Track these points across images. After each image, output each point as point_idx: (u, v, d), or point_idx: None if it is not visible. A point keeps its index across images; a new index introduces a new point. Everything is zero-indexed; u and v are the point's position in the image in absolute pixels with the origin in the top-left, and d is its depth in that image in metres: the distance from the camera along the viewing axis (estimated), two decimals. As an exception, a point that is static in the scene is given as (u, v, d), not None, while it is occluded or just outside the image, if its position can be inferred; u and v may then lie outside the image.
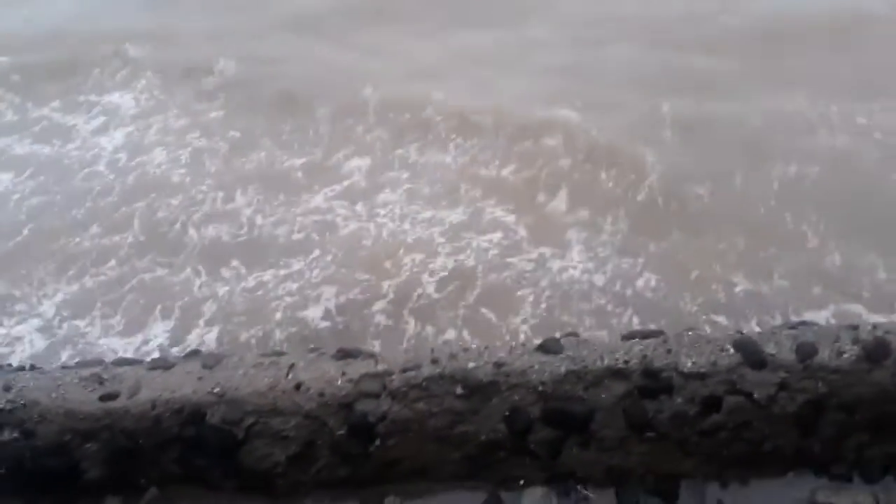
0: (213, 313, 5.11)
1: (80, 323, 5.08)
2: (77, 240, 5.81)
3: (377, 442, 2.39)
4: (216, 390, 2.44)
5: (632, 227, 5.78)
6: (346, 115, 7.33)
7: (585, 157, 6.54)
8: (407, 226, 5.84)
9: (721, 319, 4.91)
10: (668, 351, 2.39)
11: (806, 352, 2.34)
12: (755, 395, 2.30)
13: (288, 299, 5.15)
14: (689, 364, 2.35)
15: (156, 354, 4.59)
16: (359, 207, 6.09)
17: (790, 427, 2.32)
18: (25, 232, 5.96)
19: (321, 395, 2.40)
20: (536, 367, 2.38)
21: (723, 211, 5.88)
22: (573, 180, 6.29)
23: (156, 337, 4.96)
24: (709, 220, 5.82)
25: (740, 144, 6.58)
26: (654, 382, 2.34)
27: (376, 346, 4.59)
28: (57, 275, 5.52)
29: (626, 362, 2.37)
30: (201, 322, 5.06)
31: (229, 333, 4.94)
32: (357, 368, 2.45)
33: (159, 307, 5.13)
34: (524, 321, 4.86)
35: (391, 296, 5.12)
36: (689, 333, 2.47)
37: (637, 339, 2.46)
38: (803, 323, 2.55)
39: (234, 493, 2.49)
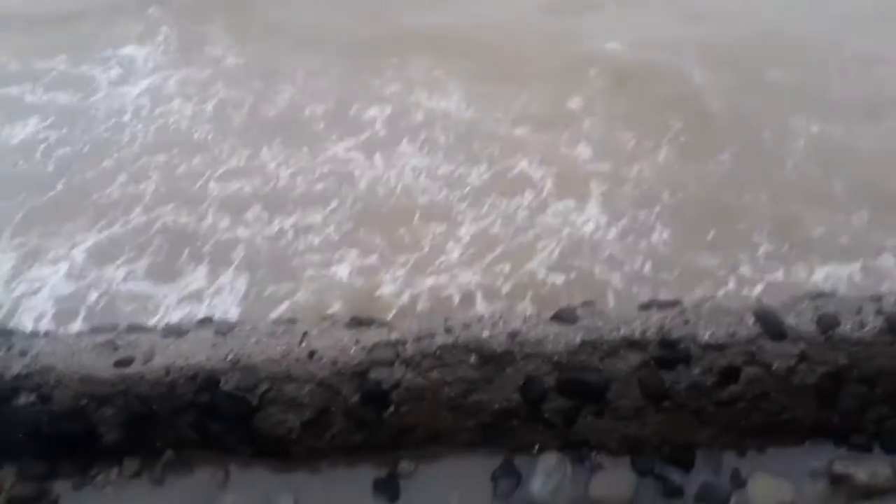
0: (239, 261, 5.18)
1: (109, 268, 5.17)
2: (107, 191, 5.90)
3: (391, 409, 2.39)
4: (230, 357, 2.43)
5: (654, 177, 5.71)
6: (369, 56, 7.16)
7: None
8: (424, 179, 5.79)
9: (745, 270, 4.86)
10: (686, 321, 2.36)
11: (827, 323, 2.30)
12: (774, 367, 2.27)
13: (311, 256, 5.16)
14: (707, 335, 2.32)
15: (183, 300, 4.68)
16: (378, 159, 6.06)
17: (809, 398, 2.30)
18: (59, 186, 6.05)
19: (334, 363, 2.39)
20: (551, 336, 2.35)
21: (749, 164, 5.79)
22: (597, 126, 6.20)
23: (186, 283, 5.04)
24: (734, 172, 5.74)
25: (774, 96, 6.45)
26: (671, 353, 2.31)
27: (398, 301, 4.60)
28: (87, 225, 5.63)
29: (642, 332, 2.34)
30: (229, 270, 5.14)
31: (257, 284, 5.00)
32: (370, 337, 2.43)
33: (186, 251, 5.19)
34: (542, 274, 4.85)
35: (410, 255, 5.11)
36: (708, 304, 2.43)
37: (654, 309, 2.43)
38: (825, 294, 2.50)
39: (249, 457, 2.52)
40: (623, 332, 2.35)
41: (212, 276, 5.08)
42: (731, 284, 4.74)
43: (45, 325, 4.65)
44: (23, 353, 2.51)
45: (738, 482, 2.26)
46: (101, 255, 5.36)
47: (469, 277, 4.98)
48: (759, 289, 4.72)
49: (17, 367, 2.47)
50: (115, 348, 2.51)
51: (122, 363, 2.45)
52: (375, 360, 2.39)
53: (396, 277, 5.09)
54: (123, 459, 2.50)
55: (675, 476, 2.29)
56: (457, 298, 4.85)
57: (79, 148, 6.48)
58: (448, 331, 2.40)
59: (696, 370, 2.30)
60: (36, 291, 5.08)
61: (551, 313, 2.46)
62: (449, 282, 5.01)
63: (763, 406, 2.30)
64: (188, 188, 5.92)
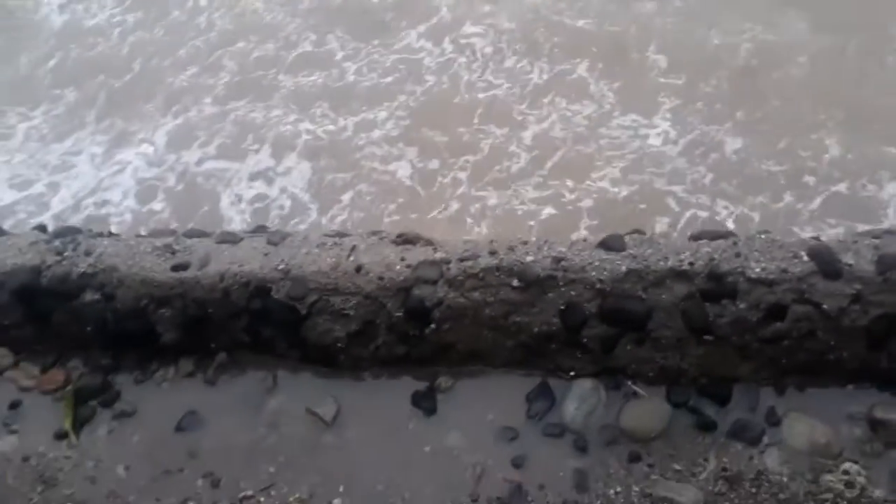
0: (301, 149, 5.31)
1: (184, 152, 5.40)
2: (180, 77, 6.07)
3: (433, 326, 2.45)
4: (281, 267, 2.52)
5: (726, 91, 5.48)
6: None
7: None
8: (490, 78, 5.70)
9: (809, 179, 4.72)
10: (737, 254, 2.30)
11: (887, 263, 2.21)
12: (824, 306, 2.21)
13: (371, 150, 5.24)
14: (758, 269, 2.26)
15: (252, 179, 4.88)
16: (445, 47, 5.96)
17: (858, 340, 2.24)
18: (136, 68, 6.24)
19: (381, 278, 2.44)
20: (596, 263, 2.34)
21: (825, 83, 5.49)
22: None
23: (252, 164, 5.24)
24: (808, 89, 5.47)
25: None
26: (718, 286, 2.27)
27: (450, 208, 4.64)
28: (163, 110, 5.84)
29: (690, 264, 2.30)
30: (293, 155, 5.29)
31: (317, 173, 5.14)
32: (416, 255, 2.47)
33: (251, 136, 5.35)
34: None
35: (469, 159, 5.10)
36: (762, 237, 2.36)
37: (705, 241, 2.37)
38: (889, 232, 2.39)
39: (298, 362, 2.64)
40: (671, 262, 2.32)
41: (276, 159, 5.26)
42: (789, 196, 4.64)
43: (128, 202, 4.93)
44: (88, 253, 2.65)
45: (773, 420, 2.25)
46: (178, 139, 5.60)
47: (528, 186, 4.97)
48: (817, 202, 4.60)
49: (83, 266, 2.61)
50: (173, 252, 2.62)
51: (180, 267, 2.56)
52: (420, 277, 2.43)
53: (455, 181, 5.11)
54: (180, 359, 2.66)
55: (710, 410, 2.30)
56: (510, 212, 4.87)
57: (154, 32, 6.59)
58: (492, 253, 2.41)
59: (742, 305, 2.26)
60: (121, 170, 5.35)
61: (599, 239, 2.44)
62: (506, 188, 5.00)
63: (808, 345, 2.26)
64: (259, 78, 6.03)
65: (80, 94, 6.04)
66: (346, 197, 5.11)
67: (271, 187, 5.21)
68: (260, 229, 2.84)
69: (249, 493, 2.36)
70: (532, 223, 4.75)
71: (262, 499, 2.34)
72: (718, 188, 4.89)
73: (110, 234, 2.81)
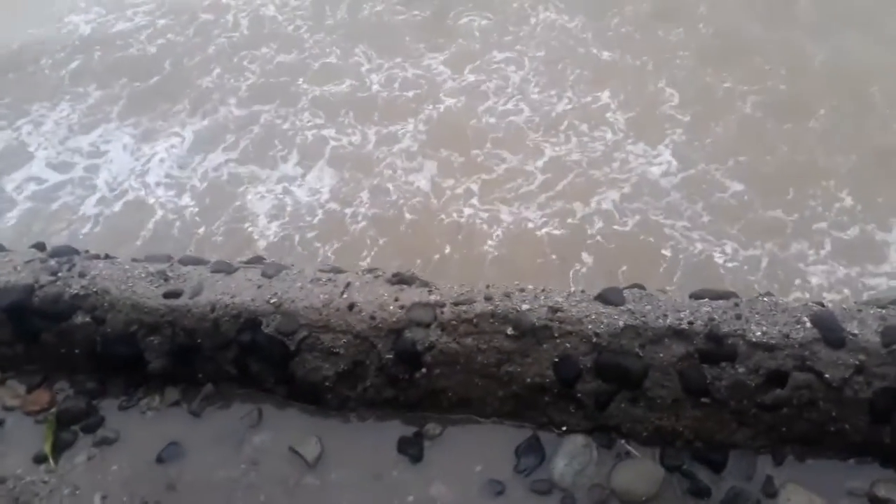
0: (328, 157, 5.39)
1: (211, 154, 5.48)
2: (208, 78, 6.19)
3: (423, 370, 2.39)
4: (273, 301, 2.48)
5: (735, 132, 5.49)
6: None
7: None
8: (511, 105, 5.77)
9: (821, 226, 4.68)
10: (738, 316, 2.24)
11: (893, 335, 2.14)
12: (827, 375, 2.13)
13: (392, 160, 5.31)
14: (759, 333, 2.19)
15: (277, 183, 4.96)
16: (467, 75, 6.03)
17: (861, 413, 2.16)
18: (167, 67, 6.36)
19: (373, 317, 2.40)
20: (593, 316, 2.28)
21: (841, 128, 5.47)
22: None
23: (277, 169, 5.32)
24: (824, 136, 5.45)
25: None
26: (717, 348, 2.20)
27: (465, 222, 4.69)
28: (191, 110, 5.93)
29: (690, 323, 2.24)
30: (320, 163, 5.38)
31: (344, 181, 5.22)
32: (410, 296, 2.42)
33: (277, 142, 5.43)
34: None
35: (485, 175, 5.16)
36: (765, 300, 2.30)
37: (706, 300, 2.31)
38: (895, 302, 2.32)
39: (284, 398, 2.58)
40: (670, 320, 2.26)
41: (302, 166, 5.36)
42: (794, 243, 4.62)
43: (159, 192, 5.00)
44: (82, 275, 2.62)
45: (770, 491, 2.16)
46: (204, 139, 5.70)
47: (534, 208, 5.02)
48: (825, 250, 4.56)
49: (76, 287, 2.59)
50: (166, 279, 2.59)
51: (171, 295, 2.53)
52: (413, 319, 2.38)
53: (469, 196, 5.17)
54: (166, 388, 2.61)
55: (704, 475, 2.22)
56: (517, 226, 4.91)
57: (184, 34, 6.72)
58: (488, 298, 2.36)
59: (742, 369, 2.19)
60: (146, 170, 5.43)
61: (597, 291, 2.39)
62: (516, 208, 5.05)
63: (809, 415, 2.18)
64: (283, 84, 6.14)
65: (104, 93, 6.19)
66: (365, 198, 5.20)
67: (298, 189, 5.30)
68: (255, 260, 2.81)
69: (225, 531, 2.30)
70: (540, 234, 4.78)
71: (237, 538, 2.28)
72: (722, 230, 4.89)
73: (107, 256, 2.78)
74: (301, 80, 6.15)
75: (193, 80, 6.27)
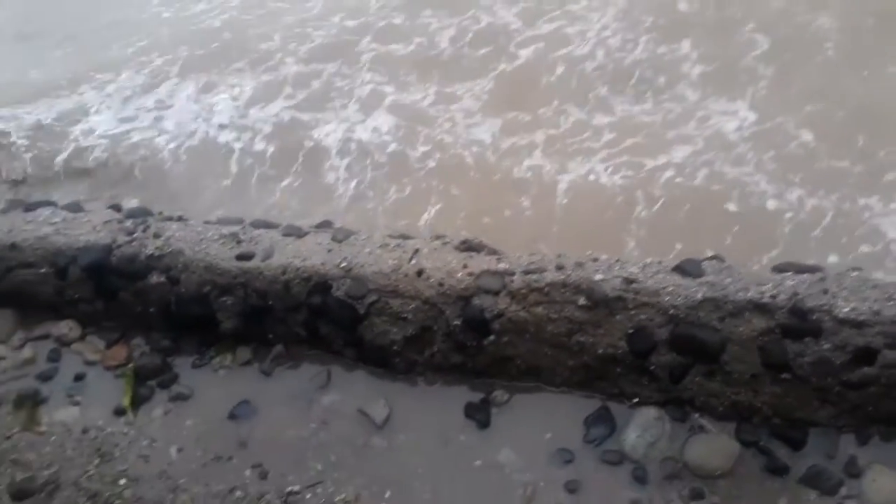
0: (388, 106, 5.40)
1: (269, 104, 5.60)
2: (267, 43, 6.27)
3: (492, 337, 2.37)
4: (343, 265, 2.48)
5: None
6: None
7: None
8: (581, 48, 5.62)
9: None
10: (825, 291, 2.13)
11: None
12: (920, 355, 2.03)
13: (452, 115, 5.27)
14: (848, 309, 2.09)
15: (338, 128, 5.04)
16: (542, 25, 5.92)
17: (955, 395, 2.05)
18: (226, 35, 6.47)
19: (441, 284, 2.38)
20: (671, 288, 2.21)
21: None
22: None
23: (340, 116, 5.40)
24: None
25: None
26: (801, 322, 2.11)
27: (528, 179, 4.64)
28: (250, 69, 6.06)
29: (772, 297, 2.14)
30: (379, 111, 5.41)
31: (404, 128, 5.24)
32: (478, 263, 2.39)
33: (333, 94, 5.48)
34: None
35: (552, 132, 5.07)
36: (853, 274, 2.18)
37: (790, 274, 2.21)
38: None
39: (353, 361, 2.61)
40: (751, 293, 2.17)
41: (364, 113, 5.36)
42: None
43: (228, 134, 5.12)
44: (157, 236, 2.68)
45: (853, 471, 2.08)
46: (264, 92, 5.80)
47: (600, 166, 4.88)
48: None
49: (151, 248, 2.65)
50: (239, 241, 2.62)
51: (244, 257, 2.56)
52: (481, 287, 2.35)
53: (533, 157, 5.08)
54: (238, 347, 2.66)
55: (782, 452, 2.15)
56: (584, 184, 4.78)
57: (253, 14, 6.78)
58: (559, 268, 2.31)
59: (827, 345, 2.10)
60: (216, 108, 5.57)
61: (674, 262, 2.31)
62: (582, 166, 4.92)
63: (898, 395, 2.08)
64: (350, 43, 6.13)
65: (165, 59, 6.32)
66: (425, 151, 5.16)
67: (361, 133, 5.32)
68: (324, 225, 2.82)
69: (296, 488, 2.34)
70: (607, 186, 4.66)
71: (308, 496, 2.32)
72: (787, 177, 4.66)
73: (180, 218, 2.83)
74: (367, 38, 6.12)
75: (255, 45, 6.35)
